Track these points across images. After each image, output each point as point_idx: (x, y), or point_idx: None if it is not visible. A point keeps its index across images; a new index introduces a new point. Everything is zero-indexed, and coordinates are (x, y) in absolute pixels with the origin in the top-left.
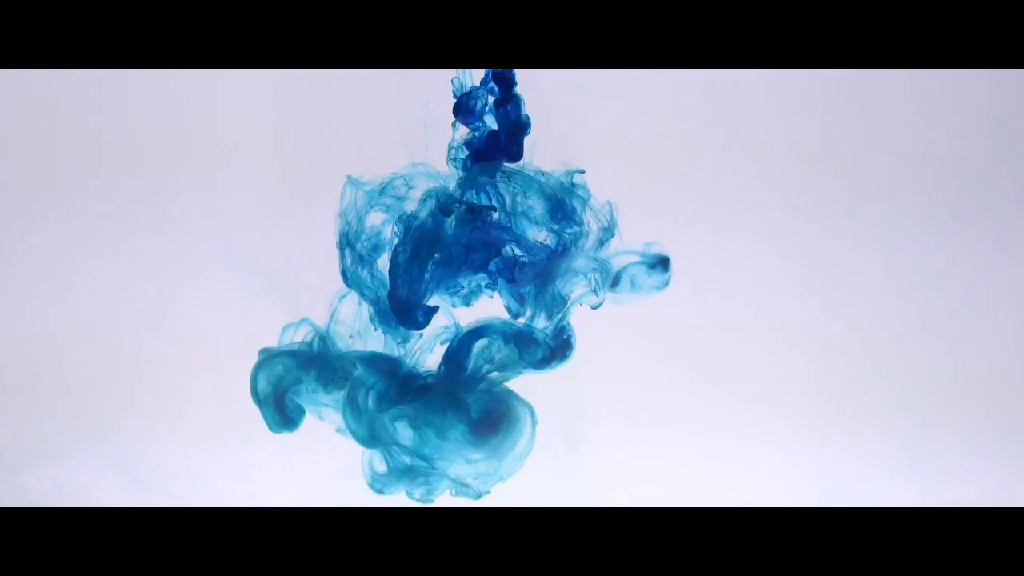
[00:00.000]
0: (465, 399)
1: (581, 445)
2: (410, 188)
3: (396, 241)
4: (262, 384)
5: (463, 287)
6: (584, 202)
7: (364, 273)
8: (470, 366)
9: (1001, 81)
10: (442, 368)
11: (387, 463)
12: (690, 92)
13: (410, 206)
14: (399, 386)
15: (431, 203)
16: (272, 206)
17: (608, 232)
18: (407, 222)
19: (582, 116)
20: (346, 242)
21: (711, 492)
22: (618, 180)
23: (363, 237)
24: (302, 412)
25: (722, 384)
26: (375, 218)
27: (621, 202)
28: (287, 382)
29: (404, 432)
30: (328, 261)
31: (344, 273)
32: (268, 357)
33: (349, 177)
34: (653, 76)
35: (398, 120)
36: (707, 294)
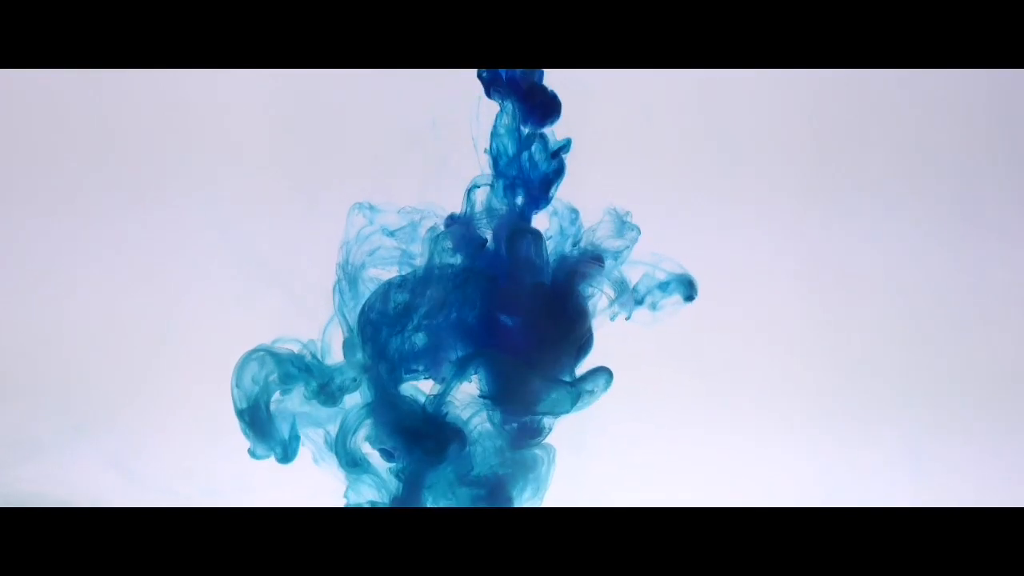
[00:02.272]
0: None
1: (584, 446)
2: (417, 227)
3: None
4: (239, 391)
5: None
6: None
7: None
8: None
9: (1001, 81)
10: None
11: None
12: (691, 93)
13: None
14: (404, 439)
15: (439, 248)
16: (273, 202)
17: (623, 227)
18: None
19: (582, 116)
20: (344, 274)
21: (712, 492)
22: (618, 180)
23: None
24: (296, 438)
25: (724, 385)
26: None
27: (621, 202)
28: (273, 389)
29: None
30: (330, 256)
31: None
32: (251, 357)
33: (356, 205)
34: (653, 76)
35: (400, 119)
36: (710, 294)
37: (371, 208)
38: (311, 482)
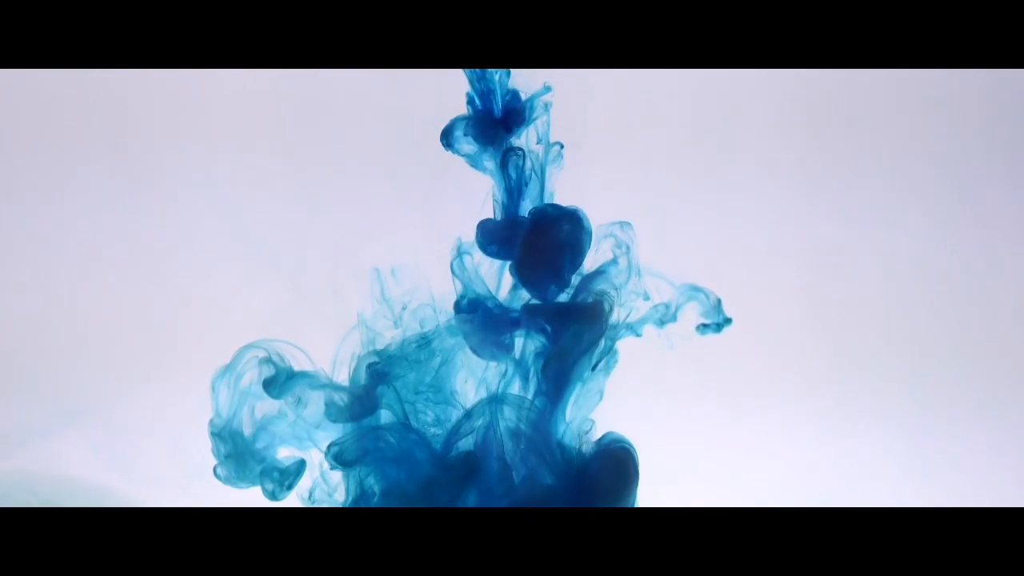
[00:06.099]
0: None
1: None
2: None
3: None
4: (225, 390)
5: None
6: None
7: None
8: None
9: (1001, 81)
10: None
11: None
12: (691, 93)
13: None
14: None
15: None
16: (275, 197)
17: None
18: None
19: (582, 116)
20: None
21: (711, 492)
22: (618, 180)
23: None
24: (300, 471)
25: (722, 384)
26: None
27: (619, 200)
28: (258, 396)
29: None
30: (331, 254)
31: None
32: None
33: (376, 270)
34: (653, 76)
35: (402, 118)
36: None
37: (393, 275)
38: (309, 482)
